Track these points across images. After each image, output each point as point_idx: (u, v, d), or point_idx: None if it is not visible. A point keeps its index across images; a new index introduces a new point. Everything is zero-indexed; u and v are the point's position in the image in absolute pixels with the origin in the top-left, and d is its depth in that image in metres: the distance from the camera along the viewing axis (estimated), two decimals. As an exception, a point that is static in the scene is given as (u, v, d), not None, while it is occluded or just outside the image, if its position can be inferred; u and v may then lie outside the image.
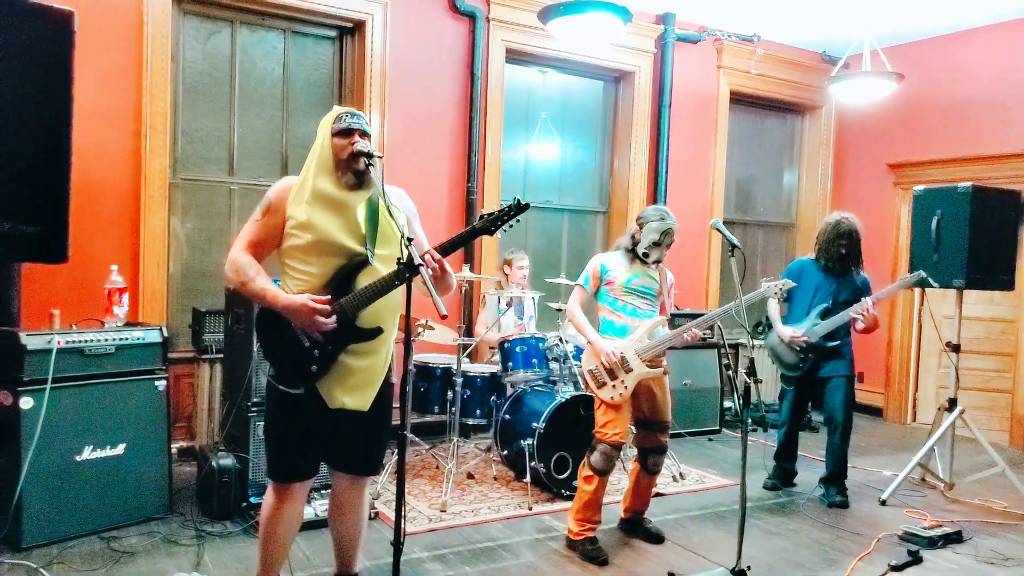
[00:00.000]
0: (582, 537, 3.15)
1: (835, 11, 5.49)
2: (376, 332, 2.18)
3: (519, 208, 2.08)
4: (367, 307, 2.13)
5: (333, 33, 4.80)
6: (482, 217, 2.13)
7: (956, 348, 4.20)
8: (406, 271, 2.01)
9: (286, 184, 2.22)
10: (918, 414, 6.10)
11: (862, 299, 3.81)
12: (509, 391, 4.17)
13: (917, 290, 5.86)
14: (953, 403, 4.15)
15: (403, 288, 2.07)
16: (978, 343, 5.67)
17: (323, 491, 3.38)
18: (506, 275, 4.67)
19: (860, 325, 3.84)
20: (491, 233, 2.11)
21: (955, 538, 3.44)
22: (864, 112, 6.22)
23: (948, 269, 4.00)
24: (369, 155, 2.16)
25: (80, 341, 3.08)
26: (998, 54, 5.58)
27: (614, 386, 3.11)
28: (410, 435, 4.19)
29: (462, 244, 2.16)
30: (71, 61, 2.37)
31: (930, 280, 3.95)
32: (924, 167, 5.98)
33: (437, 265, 2.10)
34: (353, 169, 2.16)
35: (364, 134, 2.19)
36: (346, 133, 2.17)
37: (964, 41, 5.79)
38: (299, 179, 2.20)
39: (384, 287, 2.11)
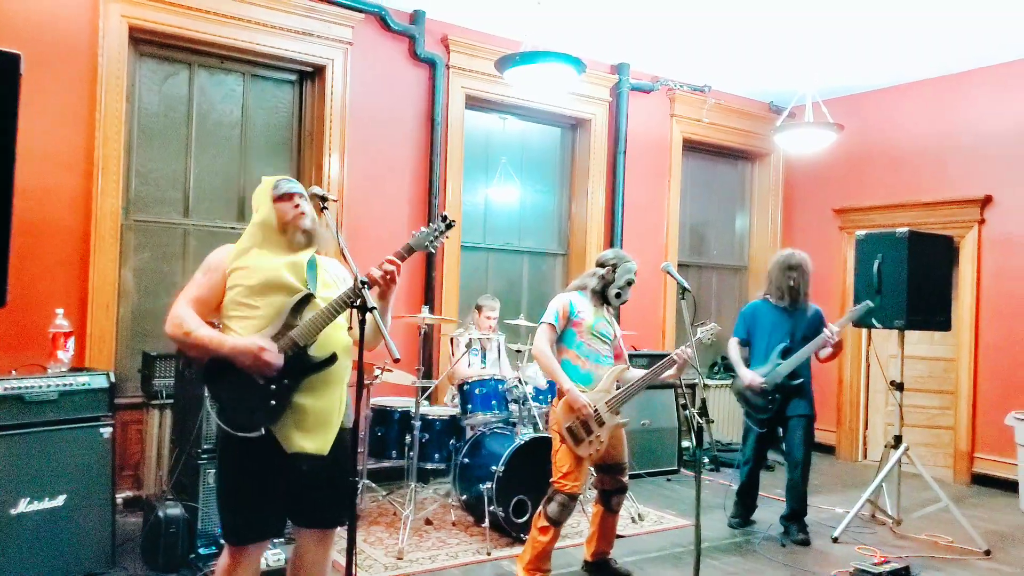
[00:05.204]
0: None
1: (780, 64, 5.77)
2: (331, 360, 2.18)
3: (446, 225, 2.25)
4: (317, 336, 2.15)
5: (293, 77, 4.85)
6: (413, 235, 2.26)
7: (900, 387, 4.34)
8: (361, 310, 2.05)
9: (226, 248, 2.29)
10: (868, 451, 6.24)
11: (823, 329, 3.94)
12: (468, 434, 4.13)
13: (864, 331, 6.07)
14: (898, 440, 4.27)
15: (355, 331, 2.09)
16: (922, 381, 5.87)
17: (275, 540, 3.28)
18: (475, 322, 4.67)
19: (827, 351, 3.98)
20: (424, 248, 2.26)
21: (903, 574, 3.51)
22: (810, 159, 6.49)
23: (890, 310, 4.16)
24: (324, 198, 2.27)
25: (19, 388, 2.98)
26: (932, 107, 5.92)
27: (590, 441, 3.10)
28: (366, 481, 4.12)
29: (400, 261, 2.24)
30: (16, 103, 2.38)
31: (870, 304, 4.10)
32: (867, 212, 6.26)
33: (394, 269, 2.18)
34: (302, 228, 2.25)
35: (302, 196, 2.29)
36: (287, 197, 2.27)
37: (901, 94, 6.13)
38: (241, 243, 2.25)
39: (335, 311, 2.14)
